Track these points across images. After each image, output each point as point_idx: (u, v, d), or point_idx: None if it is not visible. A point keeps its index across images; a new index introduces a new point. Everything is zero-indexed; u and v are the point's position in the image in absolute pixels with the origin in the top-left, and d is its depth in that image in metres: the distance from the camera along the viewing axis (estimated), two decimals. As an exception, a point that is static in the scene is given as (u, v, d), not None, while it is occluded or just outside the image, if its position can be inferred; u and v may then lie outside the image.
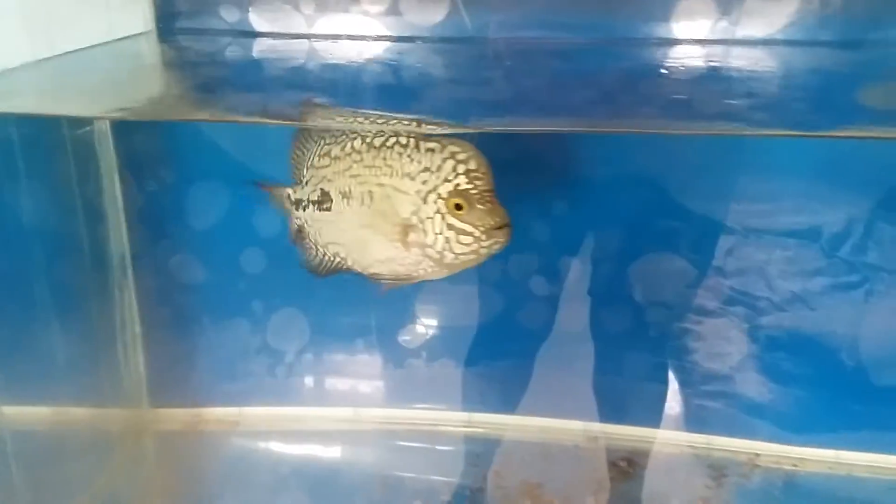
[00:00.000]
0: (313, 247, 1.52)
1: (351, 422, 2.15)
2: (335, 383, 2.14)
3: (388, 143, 1.29)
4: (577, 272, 1.97)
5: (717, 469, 2.04)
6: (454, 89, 1.66)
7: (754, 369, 2.03)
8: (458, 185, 1.23)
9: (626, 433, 2.14)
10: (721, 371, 2.05)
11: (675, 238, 1.93)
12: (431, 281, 1.98)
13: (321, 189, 1.42)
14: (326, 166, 1.40)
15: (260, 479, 2.03)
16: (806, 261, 1.90)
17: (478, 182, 1.22)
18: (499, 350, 2.10)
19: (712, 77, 1.68)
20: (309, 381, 2.15)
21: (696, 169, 1.82)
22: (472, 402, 2.15)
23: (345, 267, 1.47)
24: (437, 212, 1.25)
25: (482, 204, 1.23)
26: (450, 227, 1.25)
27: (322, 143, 1.40)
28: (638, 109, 1.53)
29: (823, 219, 1.85)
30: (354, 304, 2.07)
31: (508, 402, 2.14)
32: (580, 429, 2.16)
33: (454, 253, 1.26)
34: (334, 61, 1.84)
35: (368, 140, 1.32)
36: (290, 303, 2.07)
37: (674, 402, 2.10)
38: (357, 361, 2.14)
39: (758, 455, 2.08)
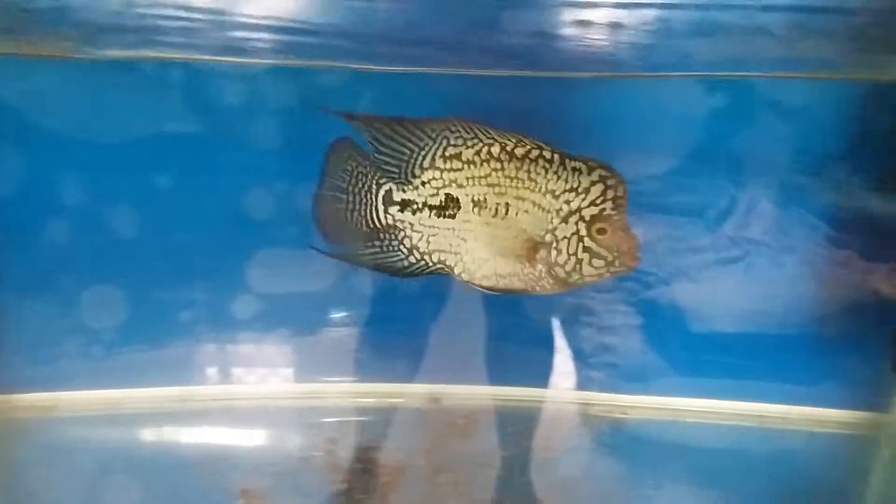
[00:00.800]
0: (406, 250, 1.42)
1: (178, 401, 2.05)
2: (160, 361, 2.02)
3: (532, 156, 1.28)
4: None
5: (552, 420, 2.09)
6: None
7: (585, 323, 2.08)
8: (604, 209, 1.25)
9: (468, 392, 2.15)
10: (554, 326, 2.08)
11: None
12: (262, 251, 1.93)
13: (447, 194, 1.35)
14: (457, 170, 1.34)
15: (81, 466, 1.90)
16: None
17: (621, 208, 1.25)
18: (335, 316, 2.05)
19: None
20: (130, 360, 2.02)
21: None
22: (308, 371, 2.09)
23: (443, 272, 1.42)
24: (576, 233, 1.27)
25: (623, 230, 1.26)
26: (585, 249, 1.27)
27: (444, 142, 1.34)
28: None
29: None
30: (177, 276, 1.97)
31: (348, 369, 2.10)
32: (423, 392, 2.15)
33: (581, 274, 1.28)
34: None
35: (508, 148, 1.29)
36: (104, 277, 1.93)
37: (517, 359, 2.12)
38: (183, 337, 2.03)
39: (591, 405, 2.14)
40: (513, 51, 1.72)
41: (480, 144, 1.33)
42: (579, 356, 2.10)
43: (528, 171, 1.29)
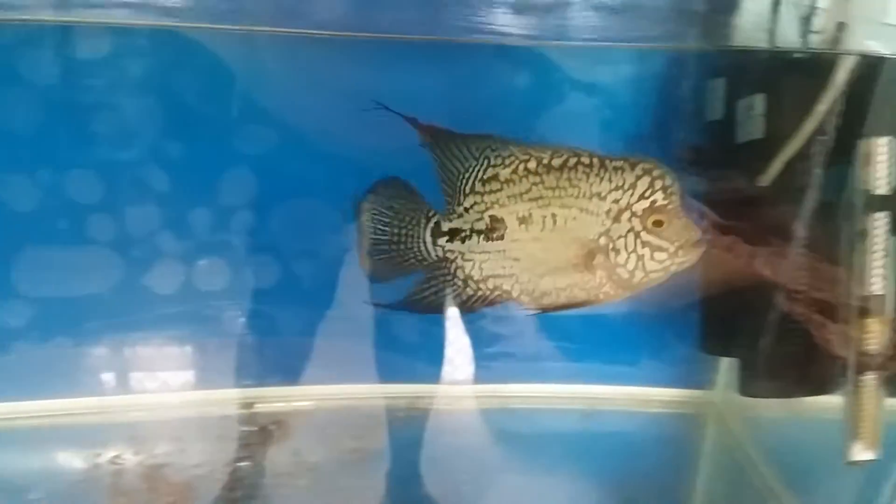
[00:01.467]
0: (461, 282, 1.37)
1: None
2: None
3: (570, 164, 1.27)
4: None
5: (374, 418, 1.96)
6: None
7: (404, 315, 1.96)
8: (654, 201, 1.23)
9: (282, 394, 1.99)
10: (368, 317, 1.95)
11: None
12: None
13: (490, 216, 1.32)
14: (497, 191, 1.32)
15: None
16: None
17: (673, 197, 1.23)
18: (117, 323, 1.85)
19: None
20: None
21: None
22: (94, 385, 1.87)
23: (500, 301, 1.37)
24: (631, 230, 1.25)
25: (679, 219, 1.23)
26: (644, 244, 1.25)
27: (485, 162, 1.32)
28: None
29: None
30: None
31: (137, 379, 1.90)
32: (235, 397, 1.97)
33: (646, 271, 1.25)
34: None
35: (545, 161, 1.28)
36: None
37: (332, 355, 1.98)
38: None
39: (417, 398, 2.03)
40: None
41: (517, 162, 1.32)
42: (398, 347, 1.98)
43: (570, 179, 1.28)
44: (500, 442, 1.98)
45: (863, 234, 1.38)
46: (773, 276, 1.65)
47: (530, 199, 1.31)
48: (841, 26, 1.39)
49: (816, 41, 1.44)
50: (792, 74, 1.52)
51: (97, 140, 1.70)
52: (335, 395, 2.00)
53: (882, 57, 1.41)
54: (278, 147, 1.75)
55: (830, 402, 1.49)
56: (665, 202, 1.24)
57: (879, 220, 1.37)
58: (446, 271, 1.39)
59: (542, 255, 1.32)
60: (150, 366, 1.91)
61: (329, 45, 1.64)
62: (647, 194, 1.24)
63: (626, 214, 1.25)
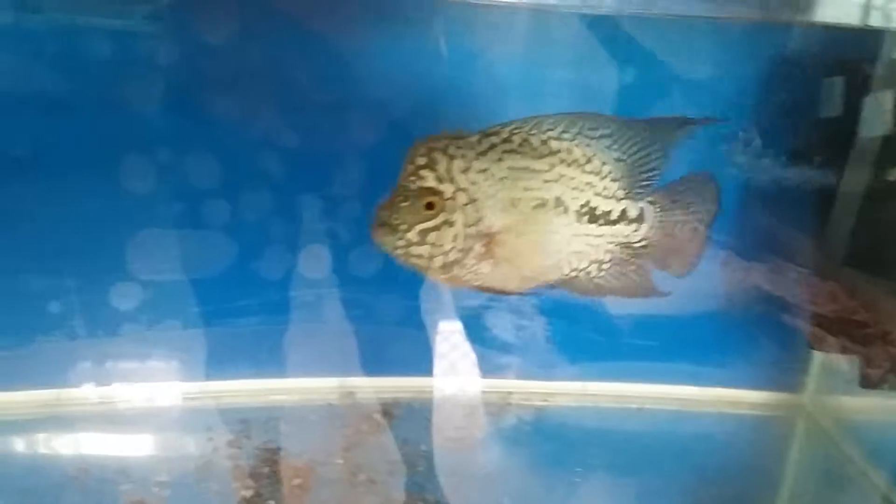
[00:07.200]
0: None
1: (53, 406, 1.79)
2: (24, 360, 1.75)
3: None
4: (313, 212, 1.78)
5: (471, 411, 1.99)
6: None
7: (502, 309, 2.00)
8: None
9: (384, 385, 2.02)
10: (471, 313, 1.98)
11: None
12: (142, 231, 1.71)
13: None
14: None
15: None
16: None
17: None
18: (232, 306, 1.86)
19: None
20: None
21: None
22: (204, 368, 1.88)
23: None
24: None
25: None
26: None
27: None
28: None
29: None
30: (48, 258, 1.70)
31: (249, 365, 1.91)
32: (334, 385, 2.00)
33: None
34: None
35: None
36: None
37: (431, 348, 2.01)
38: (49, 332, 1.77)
39: (510, 393, 2.06)
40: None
41: None
42: (493, 343, 2.02)
43: None
44: (591, 440, 2.01)
45: None
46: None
47: None
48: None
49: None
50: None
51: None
52: (429, 387, 2.03)
53: None
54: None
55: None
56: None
57: None
58: None
59: None
60: (254, 351, 1.93)
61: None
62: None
63: None
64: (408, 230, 1.14)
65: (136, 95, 1.62)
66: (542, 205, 1.23)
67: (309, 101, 1.70)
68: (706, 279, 1.98)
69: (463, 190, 1.17)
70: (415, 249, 1.16)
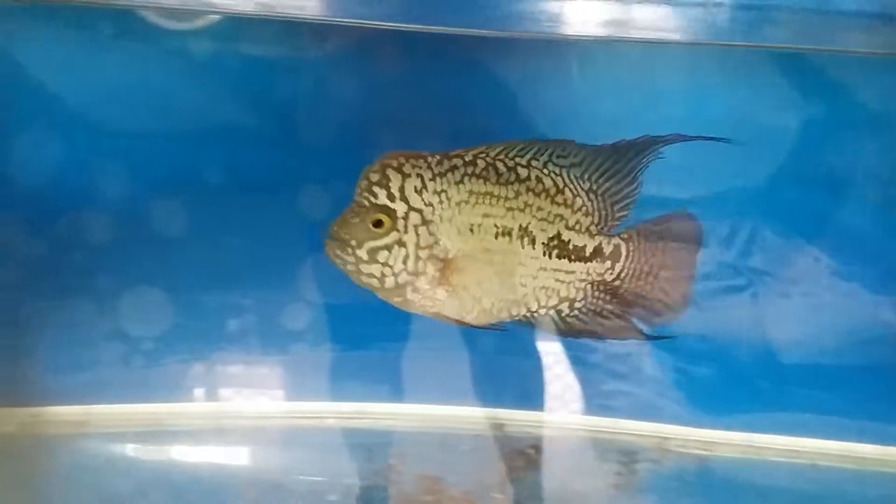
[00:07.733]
0: None
1: (218, 418, 1.87)
2: (200, 374, 1.84)
3: None
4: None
5: (628, 455, 1.91)
6: None
7: (659, 349, 1.91)
8: None
9: (532, 419, 1.97)
10: (625, 352, 1.91)
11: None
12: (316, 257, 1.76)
13: None
14: None
15: (113, 488, 1.72)
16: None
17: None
18: (387, 332, 1.88)
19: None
20: (169, 372, 1.84)
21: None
22: (363, 390, 1.91)
23: None
24: None
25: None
26: None
27: None
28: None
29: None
30: (224, 280, 1.79)
31: (403, 390, 1.92)
32: (482, 416, 1.97)
33: None
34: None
35: None
36: (146, 279, 1.76)
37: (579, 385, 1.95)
38: (227, 347, 1.85)
39: (666, 439, 1.96)
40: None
41: None
42: (649, 384, 1.93)
43: None
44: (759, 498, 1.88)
45: None
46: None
47: None
48: None
49: None
50: None
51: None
52: (575, 424, 1.97)
53: None
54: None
55: None
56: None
57: None
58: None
59: None
60: (406, 374, 1.94)
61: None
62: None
63: None
64: (357, 247, 1.14)
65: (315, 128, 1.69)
66: (506, 233, 1.19)
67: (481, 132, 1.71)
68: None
69: (416, 210, 1.15)
70: (366, 268, 1.14)
